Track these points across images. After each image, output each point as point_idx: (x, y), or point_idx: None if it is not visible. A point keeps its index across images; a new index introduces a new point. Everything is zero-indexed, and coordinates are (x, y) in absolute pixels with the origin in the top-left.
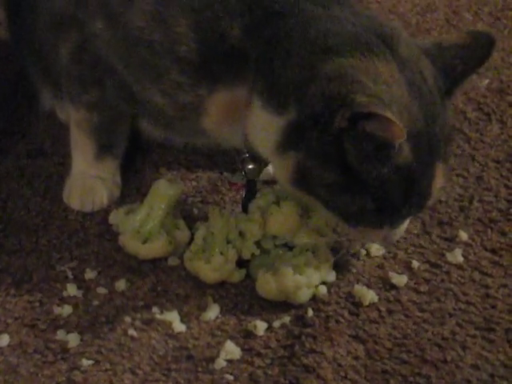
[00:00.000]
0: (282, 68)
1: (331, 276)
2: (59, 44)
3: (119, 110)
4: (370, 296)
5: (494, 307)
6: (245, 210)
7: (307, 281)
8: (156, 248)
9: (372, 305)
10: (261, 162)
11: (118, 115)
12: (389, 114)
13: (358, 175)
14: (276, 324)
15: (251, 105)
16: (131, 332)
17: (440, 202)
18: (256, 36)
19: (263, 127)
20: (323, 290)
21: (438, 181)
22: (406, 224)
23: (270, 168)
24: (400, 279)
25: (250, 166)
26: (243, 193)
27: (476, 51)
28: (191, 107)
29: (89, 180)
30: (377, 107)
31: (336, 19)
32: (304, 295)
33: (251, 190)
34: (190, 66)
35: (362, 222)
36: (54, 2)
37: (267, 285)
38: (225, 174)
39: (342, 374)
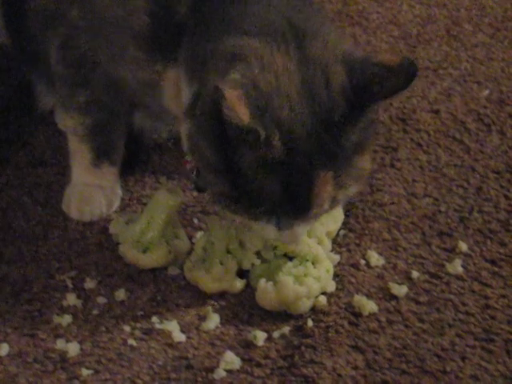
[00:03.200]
0: (199, 42)
1: (331, 286)
2: (48, 45)
3: (109, 109)
4: (369, 306)
5: (493, 318)
6: (197, 188)
7: (307, 291)
8: (156, 258)
9: (372, 315)
10: None
11: (110, 116)
12: (233, 95)
13: (230, 160)
14: (276, 334)
15: (180, 78)
16: (131, 341)
17: (440, 212)
18: (196, 13)
19: (183, 97)
20: (323, 300)
21: (323, 190)
22: (301, 230)
23: None
24: (400, 289)
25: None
26: (194, 171)
27: (396, 77)
28: (151, 83)
29: (87, 189)
30: (228, 85)
31: (261, 2)
32: (304, 306)
33: None
34: (145, 41)
35: (235, 211)
36: (37, 1)
37: (267, 295)
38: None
39: None
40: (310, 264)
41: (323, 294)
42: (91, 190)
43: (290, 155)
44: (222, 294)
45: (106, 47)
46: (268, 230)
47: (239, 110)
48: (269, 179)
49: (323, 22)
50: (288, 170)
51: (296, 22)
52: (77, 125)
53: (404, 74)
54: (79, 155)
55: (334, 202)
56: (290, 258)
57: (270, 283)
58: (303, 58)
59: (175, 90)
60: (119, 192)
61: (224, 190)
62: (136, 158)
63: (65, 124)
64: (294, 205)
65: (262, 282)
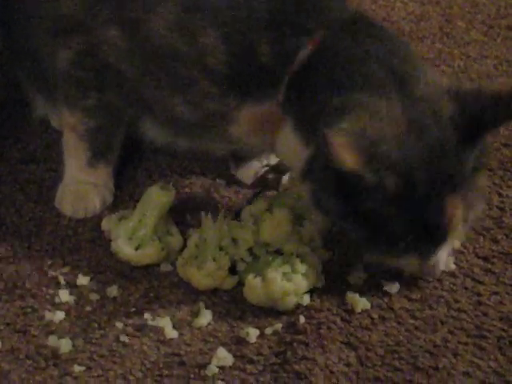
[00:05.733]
0: (309, 101)
1: (320, 282)
2: (59, 49)
3: (119, 115)
4: (362, 303)
5: (485, 315)
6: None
7: (295, 288)
8: (148, 254)
9: (364, 312)
10: (282, 172)
11: (116, 120)
12: (338, 141)
13: (353, 207)
14: (268, 331)
15: (284, 123)
16: (123, 338)
17: None
18: (284, 55)
19: (294, 151)
20: (307, 298)
21: (457, 212)
22: (443, 256)
23: None
24: (392, 286)
25: (271, 176)
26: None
27: (507, 107)
28: (218, 115)
29: (81, 186)
30: (335, 133)
31: (360, 53)
32: (291, 302)
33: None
34: (220, 76)
35: (376, 251)
36: (60, 8)
37: (255, 290)
38: (217, 181)
39: (334, 380)
40: (298, 261)
41: (313, 290)
42: (85, 188)
43: (409, 190)
44: (214, 291)
45: (159, 78)
46: (411, 264)
47: (345, 156)
48: (396, 216)
49: (418, 63)
50: (411, 203)
51: (396, 69)
52: (79, 124)
53: None
54: (75, 153)
55: (465, 223)
56: (282, 254)
57: (258, 279)
58: (407, 100)
59: (253, 125)
60: (112, 189)
61: (358, 236)
62: (129, 155)
63: (66, 121)
64: (430, 233)
65: (250, 277)
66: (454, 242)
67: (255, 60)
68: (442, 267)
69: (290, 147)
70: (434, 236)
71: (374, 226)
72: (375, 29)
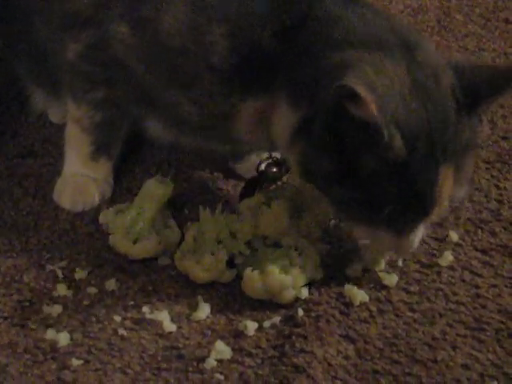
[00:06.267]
0: (302, 66)
1: (318, 274)
2: (68, 42)
3: (125, 110)
4: (360, 296)
5: (484, 307)
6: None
7: (293, 281)
8: (146, 248)
9: (363, 304)
10: (283, 167)
11: (122, 115)
12: (365, 90)
13: (351, 166)
14: (266, 324)
15: (277, 105)
16: (121, 331)
17: None
18: (284, 42)
19: (284, 124)
20: (305, 291)
21: (446, 185)
22: (419, 234)
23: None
24: (391, 279)
25: (274, 169)
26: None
27: (504, 79)
28: (221, 115)
29: (81, 180)
30: (356, 85)
31: (359, 19)
32: (289, 295)
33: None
34: (223, 74)
35: (357, 219)
36: (71, 3)
37: (253, 283)
38: (215, 174)
39: (333, 373)
40: (296, 254)
41: (310, 283)
42: (85, 182)
43: (412, 154)
44: (212, 284)
45: (165, 76)
46: (387, 240)
47: (373, 107)
48: (392, 180)
49: (420, 35)
50: (410, 168)
51: (399, 34)
52: (84, 118)
53: None
54: (77, 146)
55: (450, 202)
56: (280, 248)
57: (256, 272)
58: (411, 63)
59: (254, 120)
60: (112, 182)
61: (347, 199)
62: (127, 149)
63: (71, 114)
64: (418, 204)
65: (249, 270)
66: (451, 235)
67: (257, 53)
68: (415, 245)
69: (282, 123)
70: (421, 207)
71: (365, 189)
72: (368, 3)
